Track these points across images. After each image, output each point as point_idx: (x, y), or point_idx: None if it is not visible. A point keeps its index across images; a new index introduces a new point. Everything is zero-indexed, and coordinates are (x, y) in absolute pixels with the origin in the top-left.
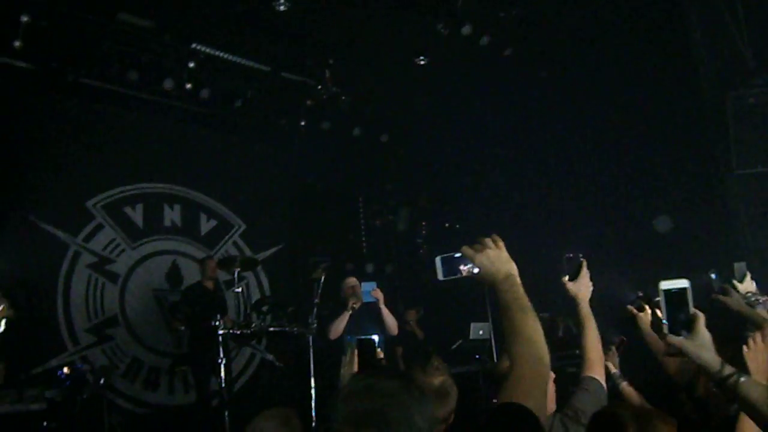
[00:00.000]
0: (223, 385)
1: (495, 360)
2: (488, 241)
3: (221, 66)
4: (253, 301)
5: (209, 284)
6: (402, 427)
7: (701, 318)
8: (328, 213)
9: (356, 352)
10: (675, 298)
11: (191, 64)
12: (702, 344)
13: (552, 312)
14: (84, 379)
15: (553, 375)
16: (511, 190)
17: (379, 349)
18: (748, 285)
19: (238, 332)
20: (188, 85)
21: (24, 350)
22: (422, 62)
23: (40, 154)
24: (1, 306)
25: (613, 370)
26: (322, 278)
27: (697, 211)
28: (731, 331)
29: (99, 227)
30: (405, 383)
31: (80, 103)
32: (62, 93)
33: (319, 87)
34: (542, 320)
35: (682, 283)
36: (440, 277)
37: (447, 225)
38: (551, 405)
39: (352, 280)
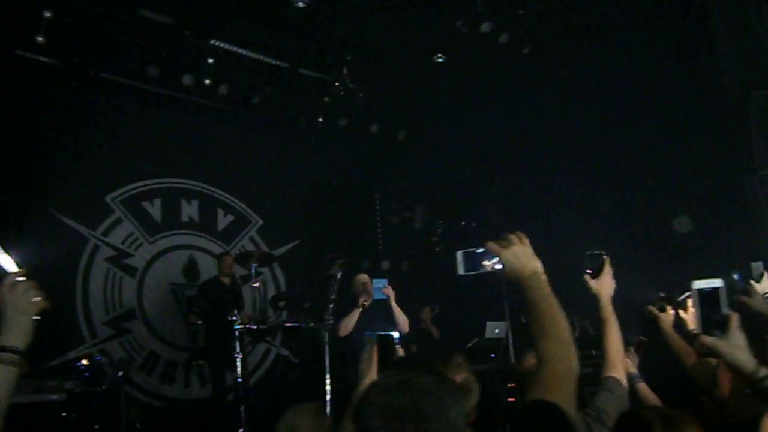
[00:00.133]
0: (239, 379)
1: (511, 359)
2: (514, 237)
3: (240, 62)
4: (269, 297)
5: (226, 279)
6: (437, 423)
7: (736, 318)
8: (344, 210)
9: (375, 348)
10: (708, 297)
11: (210, 60)
12: (736, 345)
13: (568, 313)
14: (102, 371)
15: None
16: (529, 189)
17: (398, 346)
18: (766, 285)
19: (255, 327)
20: (207, 81)
21: (43, 342)
22: (440, 60)
23: (60, 149)
24: (39, 298)
25: (631, 370)
26: (339, 274)
27: (719, 211)
28: (755, 332)
29: (118, 221)
30: (440, 379)
31: (100, 98)
32: (83, 88)
33: (337, 84)
34: None
35: (716, 282)
36: (461, 271)
37: (463, 223)
38: None
39: (364, 277)
